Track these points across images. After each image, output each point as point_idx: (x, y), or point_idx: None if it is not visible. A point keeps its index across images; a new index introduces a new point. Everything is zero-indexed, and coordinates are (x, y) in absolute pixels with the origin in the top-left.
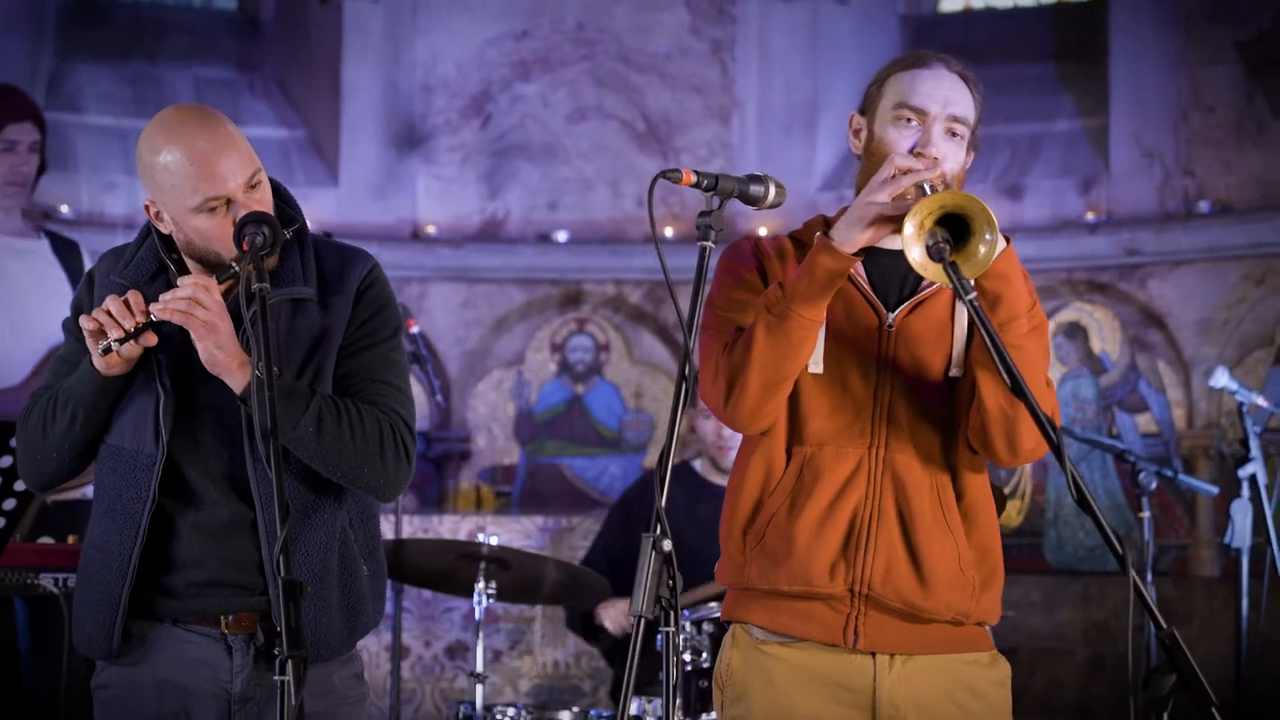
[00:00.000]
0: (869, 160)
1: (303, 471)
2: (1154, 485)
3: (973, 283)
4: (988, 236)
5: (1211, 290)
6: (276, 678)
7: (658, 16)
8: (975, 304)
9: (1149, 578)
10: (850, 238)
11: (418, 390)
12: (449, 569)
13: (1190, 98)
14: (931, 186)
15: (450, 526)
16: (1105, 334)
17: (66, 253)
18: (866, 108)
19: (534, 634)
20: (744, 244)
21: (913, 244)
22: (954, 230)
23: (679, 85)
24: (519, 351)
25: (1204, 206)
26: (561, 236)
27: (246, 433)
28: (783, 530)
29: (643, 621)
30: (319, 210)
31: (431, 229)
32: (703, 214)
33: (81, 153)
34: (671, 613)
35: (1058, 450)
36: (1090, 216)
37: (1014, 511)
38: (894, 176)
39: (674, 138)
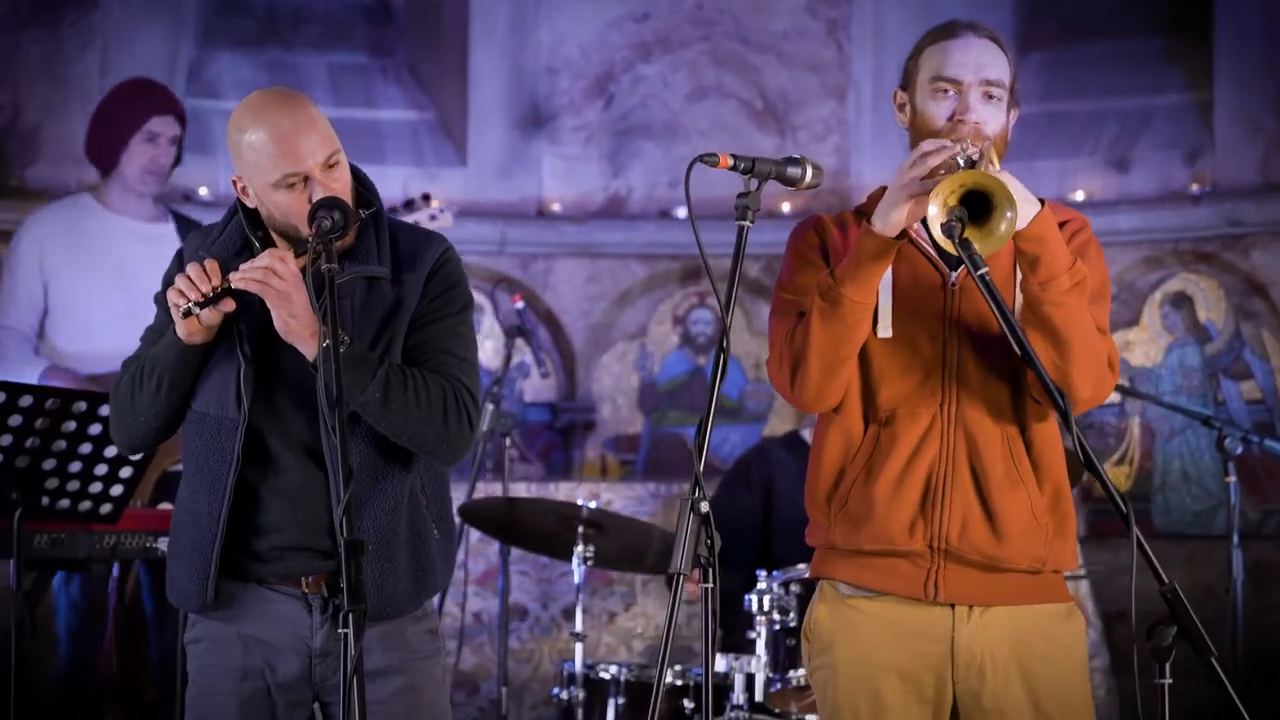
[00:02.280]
0: (914, 134)
1: (373, 437)
2: (1239, 450)
3: (1014, 246)
4: (1008, 214)
5: None
6: (339, 630)
7: None
8: (986, 278)
9: (1235, 540)
10: (888, 220)
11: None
12: (551, 531)
13: None
14: (967, 160)
15: (566, 492)
16: (1210, 303)
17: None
18: (907, 83)
19: (648, 596)
20: (806, 225)
21: (936, 223)
22: (978, 206)
23: (796, 64)
24: (642, 324)
25: None
26: (682, 213)
27: (320, 400)
28: (862, 494)
29: (681, 578)
30: (448, 190)
31: (556, 207)
32: (740, 195)
33: (219, 138)
34: (710, 570)
35: (1064, 415)
36: (1195, 188)
37: (1122, 477)
38: (922, 157)
39: (791, 115)
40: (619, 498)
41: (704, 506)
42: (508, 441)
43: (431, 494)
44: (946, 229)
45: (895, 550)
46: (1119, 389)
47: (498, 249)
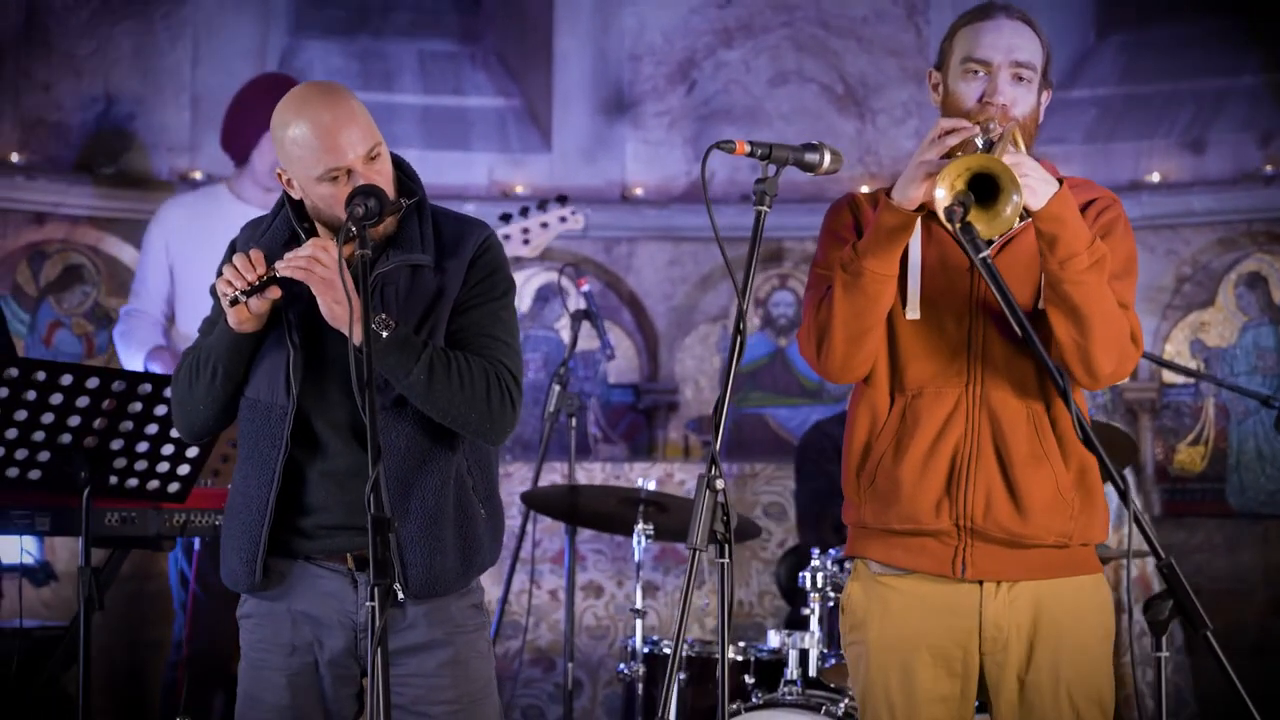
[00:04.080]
0: (945, 113)
1: (419, 420)
2: None
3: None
4: (1014, 197)
5: None
6: (366, 604)
7: None
8: (987, 261)
9: None
10: (907, 195)
11: (626, 345)
12: (614, 511)
13: None
14: (986, 141)
15: (640, 472)
16: None
17: None
18: (940, 64)
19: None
20: (841, 203)
21: (943, 205)
22: (986, 189)
23: (875, 49)
24: (724, 307)
25: None
26: None
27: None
28: (889, 473)
29: (697, 554)
30: (533, 175)
31: (639, 191)
32: (759, 181)
33: None
34: (726, 546)
35: (1064, 394)
36: (1269, 169)
37: (1197, 457)
38: (941, 136)
39: (870, 99)
40: (691, 477)
41: (719, 484)
42: (573, 422)
43: (478, 475)
44: (949, 213)
45: (923, 529)
46: (1173, 366)
47: (581, 233)
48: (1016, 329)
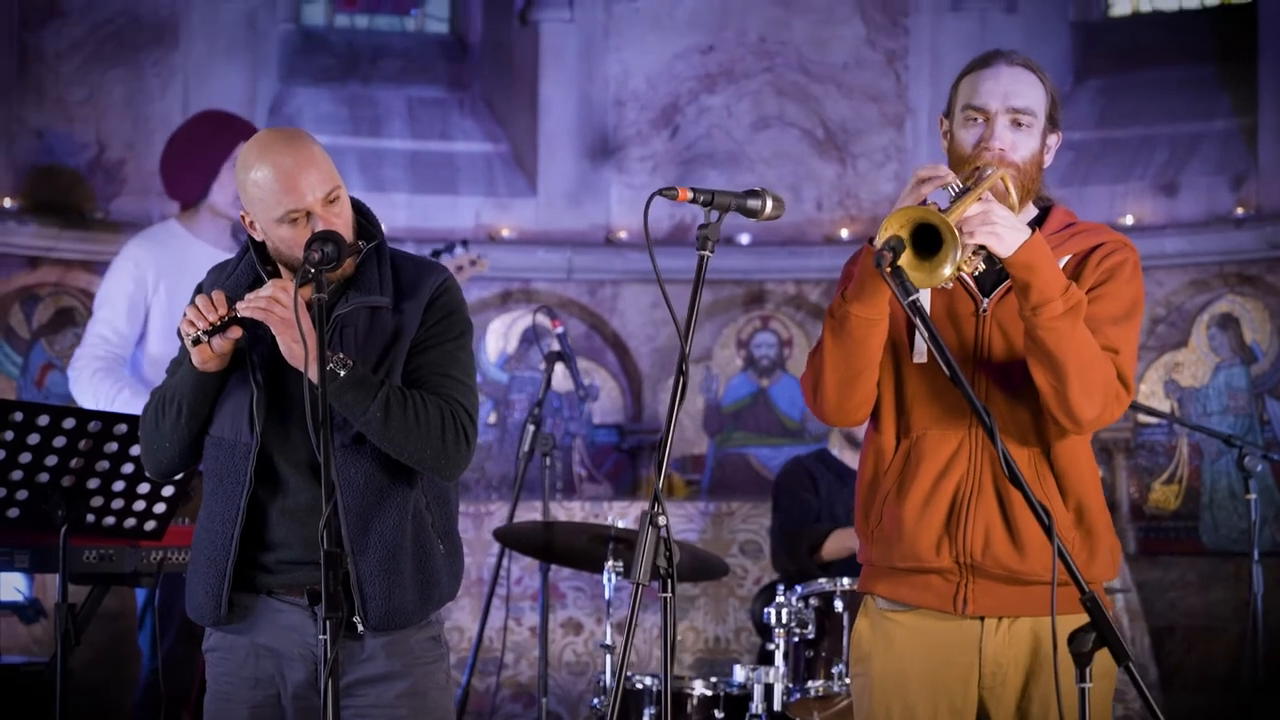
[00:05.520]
0: (951, 159)
1: (378, 457)
2: (1260, 468)
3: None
4: (954, 253)
5: None
6: (320, 636)
7: (835, 29)
8: (916, 305)
9: (1255, 555)
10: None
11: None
12: (585, 548)
13: None
14: (961, 189)
15: (620, 510)
16: (1256, 325)
17: None
18: (948, 112)
19: (698, 610)
20: (859, 252)
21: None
22: (931, 240)
23: (855, 94)
24: (707, 348)
25: None
26: (745, 239)
27: (326, 423)
28: (893, 512)
29: (641, 589)
30: (519, 219)
31: (623, 234)
32: (701, 226)
33: None
34: (669, 580)
35: (990, 431)
36: (1239, 211)
37: (1171, 496)
38: (918, 184)
39: (851, 144)
40: (670, 515)
41: (662, 520)
42: (547, 461)
43: (436, 511)
44: (876, 259)
45: (925, 567)
46: (1139, 408)
47: (566, 275)
48: (945, 369)
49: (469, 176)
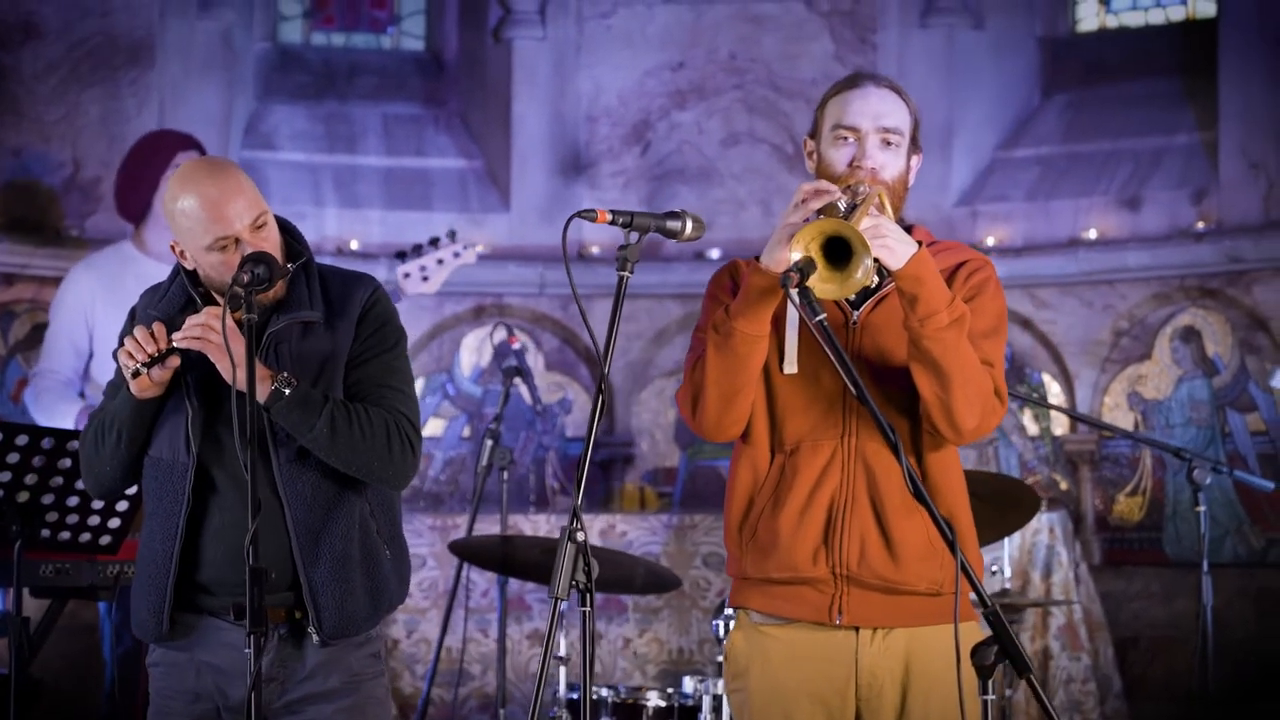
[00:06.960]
0: (819, 178)
1: (323, 469)
2: (1208, 480)
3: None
4: (866, 261)
5: None
6: (246, 650)
7: (804, 46)
8: (823, 324)
9: (1205, 567)
10: (774, 258)
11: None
12: (540, 561)
13: None
14: (849, 204)
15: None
16: (1218, 337)
17: None
18: (814, 132)
19: (661, 622)
20: (723, 270)
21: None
22: (840, 251)
23: None
24: (678, 361)
25: None
26: (715, 254)
27: (269, 440)
28: (769, 524)
29: (558, 603)
30: (493, 234)
31: (595, 249)
32: (621, 248)
33: (274, 186)
34: (588, 595)
35: (894, 447)
36: (1200, 226)
37: (1135, 507)
38: (804, 200)
39: None
40: (634, 528)
41: (580, 536)
42: (504, 475)
43: (381, 518)
44: (783, 280)
45: (801, 577)
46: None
47: (538, 290)
48: (851, 387)
49: (443, 192)
